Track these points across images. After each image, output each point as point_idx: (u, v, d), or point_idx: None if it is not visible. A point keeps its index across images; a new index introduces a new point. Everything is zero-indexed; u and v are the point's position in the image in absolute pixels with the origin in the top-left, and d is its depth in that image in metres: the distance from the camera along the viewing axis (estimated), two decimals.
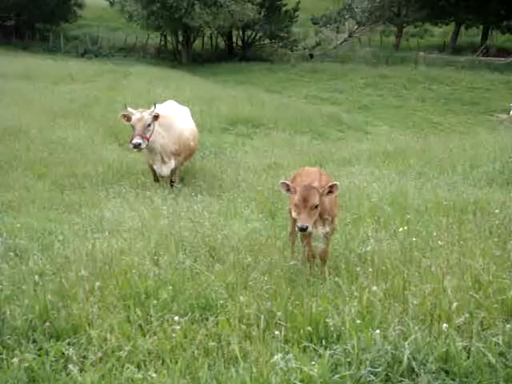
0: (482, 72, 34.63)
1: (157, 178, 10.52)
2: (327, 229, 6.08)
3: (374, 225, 7.59)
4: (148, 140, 9.55)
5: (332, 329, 4.57)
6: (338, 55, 42.35)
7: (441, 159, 12.44)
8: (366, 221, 7.74)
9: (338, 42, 46.41)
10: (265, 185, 9.86)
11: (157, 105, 10.02)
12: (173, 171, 10.45)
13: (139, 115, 9.51)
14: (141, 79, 27.19)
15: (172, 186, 10.29)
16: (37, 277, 5.76)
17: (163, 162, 10.17)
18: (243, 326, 4.72)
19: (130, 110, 9.71)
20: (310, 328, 4.60)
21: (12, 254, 6.69)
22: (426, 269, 5.65)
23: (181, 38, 43.98)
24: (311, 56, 42.99)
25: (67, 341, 4.70)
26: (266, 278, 5.43)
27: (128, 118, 9.57)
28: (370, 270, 5.54)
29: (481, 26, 46.30)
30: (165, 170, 10.28)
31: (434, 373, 3.95)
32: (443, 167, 11.69)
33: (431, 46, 46.43)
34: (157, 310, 5.07)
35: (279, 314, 4.76)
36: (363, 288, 5.14)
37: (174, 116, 10.50)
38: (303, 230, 5.50)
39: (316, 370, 3.82)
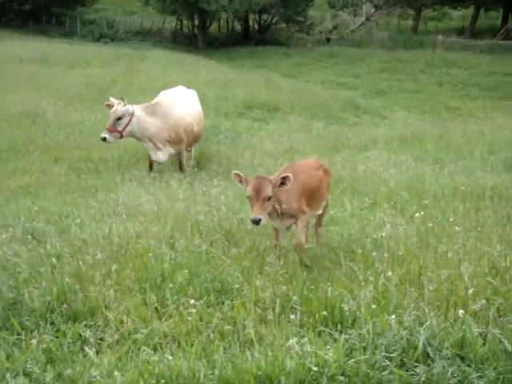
0: (502, 56, 34.12)
1: (151, 165, 10.44)
2: (298, 222, 6.00)
3: (391, 210, 7.56)
4: (120, 133, 9.61)
5: (347, 313, 4.57)
6: (355, 39, 42.04)
7: (458, 144, 12.35)
8: (383, 206, 7.71)
9: (355, 26, 46.06)
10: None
11: (162, 91, 10.24)
12: (178, 156, 10.45)
13: (113, 108, 9.57)
14: (157, 63, 27.21)
15: (182, 170, 10.31)
16: (54, 259, 5.81)
17: (157, 148, 10.09)
18: (259, 310, 4.74)
19: (112, 100, 9.74)
20: (325, 312, 4.60)
21: (30, 237, 6.75)
22: (442, 254, 5.62)
23: (197, 22, 43.84)
24: (328, 40, 42.70)
25: (84, 323, 4.75)
26: (281, 263, 5.43)
27: (110, 107, 9.65)
28: (386, 255, 5.52)
29: (501, 9, 45.63)
30: (160, 156, 10.19)
31: (449, 359, 3.94)
32: (461, 153, 11.60)
33: (450, 30, 45.83)
34: (173, 293, 5.10)
35: (295, 298, 4.77)
36: (379, 273, 5.13)
37: (172, 102, 10.33)
38: (256, 222, 5.38)
39: (331, 355, 3.82)
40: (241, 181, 5.74)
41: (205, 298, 5.00)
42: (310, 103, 20.32)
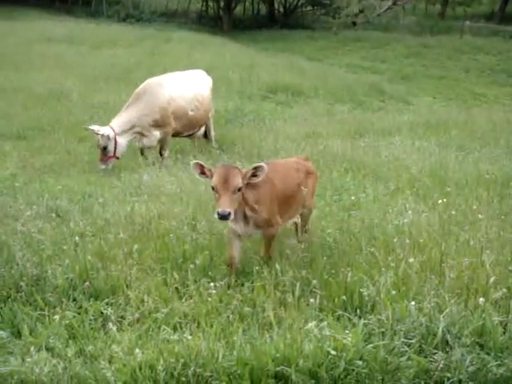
0: None
1: (141, 151, 10.28)
2: (264, 234, 5.35)
3: (413, 197, 7.51)
4: (114, 157, 9.56)
5: (367, 299, 4.57)
6: (381, 23, 41.49)
7: (483, 132, 12.19)
8: (405, 192, 7.66)
9: (382, 10, 45.36)
10: (303, 153, 9.80)
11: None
12: (161, 141, 10.20)
13: (96, 137, 9.43)
14: (182, 45, 27.16)
15: (162, 157, 10.15)
16: (77, 238, 5.89)
17: (142, 135, 9.90)
18: (278, 293, 4.76)
19: (92, 128, 9.50)
20: (344, 297, 4.62)
21: (54, 215, 6.85)
22: (464, 242, 5.58)
23: (222, 4, 43.61)
24: (354, 24, 42.18)
25: (106, 301, 4.82)
26: (302, 246, 5.44)
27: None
28: (407, 241, 5.50)
29: None
30: (145, 142, 10.00)
31: (468, 346, 3.93)
32: (486, 140, 11.46)
33: (478, 15, 44.99)
34: (193, 274, 5.15)
35: (314, 282, 4.78)
36: (400, 259, 5.11)
37: (158, 86, 10.05)
38: (224, 217, 4.70)
39: (349, 339, 3.83)
40: (203, 172, 5.03)
41: (225, 279, 5.03)
42: (334, 87, 20.17)
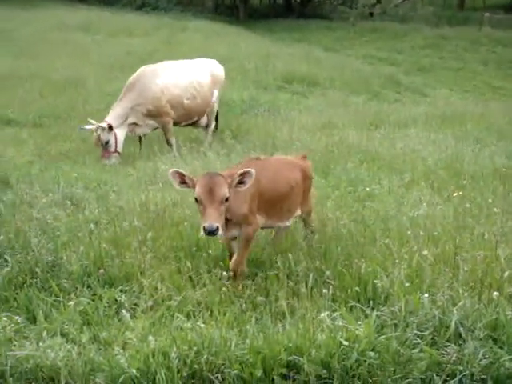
0: None
1: (140, 139, 10.28)
2: (241, 233, 4.92)
3: (428, 189, 7.48)
4: (116, 152, 9.51)
5: (380, 290, 4.57)
6: (398, 14, 41.14)
7: (500, 125, 12.09)
8: (420, 184, 7.63)
9: (399, 1, 45.07)
10: (319, 144, 9.79)
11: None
12: (163, 131, 10.15)
13: (95, 134, 9.34)
14: (197, 34, 27.15)
15: (169, 145, 10.11)
16: (92, 225, 5.94)
17: (136, 125, 9.84)
18: (291, 283, 4.78)
19: (87, 127, 9.48)
20: (357, 288, 4.61)
21: (69, 202, 6.90)
22: (479, 236, 5.56)
23: None
24: (371, 14, 41.93)
25: (120, 288, 4.85)
26: (316, 237, 5.43)
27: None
28: (422, 233, 5.48)
29: None
30: (138, 131, 9.97)
31: (481, 340, 3.91)
32: (502, 134, 11.37)
33: (497, 6, 44.46)
34: (206, 262, 5.17)
35: (328, 272, 4.79)
36: (414, 251, 5.10)
37: (152, 75, 9.95)
38: (212, 233, 4.31)
39: (362, 330, 3.83)
40: (184, 182, 4.61)
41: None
42: (350, 78, 20.09)
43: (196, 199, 4.49)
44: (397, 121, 13.00)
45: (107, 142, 9.32)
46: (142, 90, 9.72)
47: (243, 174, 4.56)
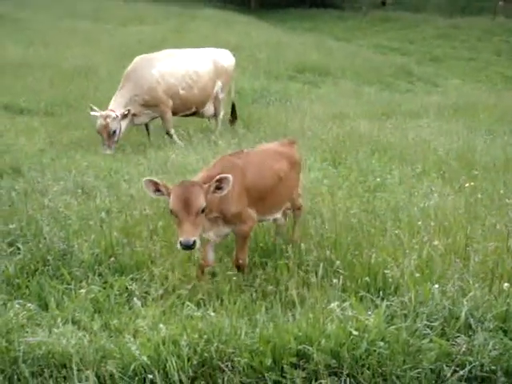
0: None
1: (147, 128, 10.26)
2: (237, 232, 4.81)
3: (439, 179, 7.46)
4: (117, 141, 9.42)
5: (390, 280, 4.57)
6: (411, 3, 40.81)
7: None
8: (431, 175, 7.61)
9: None
10: (330, 134, 9.77)
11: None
12: (162, 120, 10.07)
13: (103, 122, 9.19)
14: (208, 22, 27.09)
15: (169, 135, 10.04)
16: (103, 213, 5.98)
17: (134, 115, 9.71)
18: (302, 273, 4.78)
19: (93, 114, 9.38)
20: (367, 278, 4.61)
21: (80, 190, 6.93)
22: (490, 226, 5.54)
23: None
24: (383, 4, 41.67)
25: (131, 276, 4.88)
26: (326, 227, 5.43)
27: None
28: (433, 224, 5.47)
29: None
30: (136, 121, 9.87)
31: (491, 331, 3.90)
32: None
33: None
34: (217, 251, 5.18)
35: (338, 262, 4.78)
36: (424, 242, 5.09)
37: (148, 65, 9.84)
38: (188, 247, 4.11)
39: (372, 320, 3.83)
40: (158, 190, 4.36)
41: (249, 257, 5.05)
42: (362, 68, 20.01)
43: (171, 211, 4.26)
44: (408, 111, 12.95)
45: (114, 132, 9.28)
46: (138, 80, 9.65)
47: (220, 180, 4.32)
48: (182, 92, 10.08)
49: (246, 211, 4.76)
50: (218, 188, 4.34)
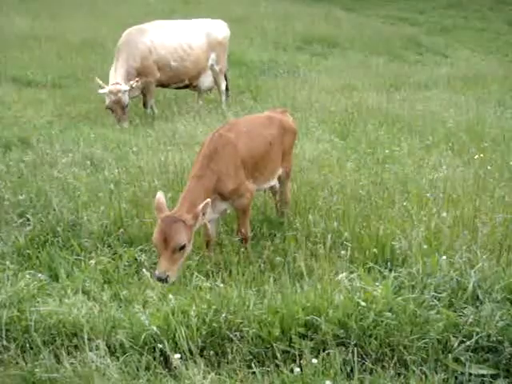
0: None
1: (144, 104, 10.13)
2: (237, 205, 4.81)
3: (448, 151, 7.42)
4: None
5: (398, 252, 4.58)
6: None
7: None
8: (440, 147, 7.57)
9: None
10: (338, 106, 9.71)
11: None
12: (143, 91, 9.90)
13: (115, 97, 8.98)
14: None
15: (146, 108, 9.97)
16: (112, 185, 5.99)
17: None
18: (310, 244, 4.80)
19: (101, 91, 9.17)
20: (375, 250, 4.63)
21: (89, 162, 6.94)
22: (499, 198, 5.53)
23: None
24: None
25: (139, 247, 4.92)
26: (334, 199, 5.44)
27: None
28: (441, 196, 5.46)
29: None
30: (130, 94, 9.56)
31: (498, 302, 3.92)
32: None
33: None
34: (226, 223, 5.20)
35: (346, 234, 4.80)
36: (432, 214, 5.09)
37: (138, 35, 9.69)
38: (162, 280, 4.08)
39: (379, 291, 3.85)
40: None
41: (257, 229, 5.07)
42: (371, 39, 19.77)
43: (153, 242, 4.28)
44: (417, 82, 12.84)
45: (127, 105, 9.19)
46: (131, 51, 9.52)
47: (203, 207, 4.25)
48: (173, 64, 9.97)
49: (244, 184, 4.77)
50: (204, 214, 4.30)
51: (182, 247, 4.17)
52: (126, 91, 9.06)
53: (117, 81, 9.20)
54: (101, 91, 9.15)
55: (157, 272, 4.09)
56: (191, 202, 4.33)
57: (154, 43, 9.74)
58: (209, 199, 4.30)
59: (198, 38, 10.30)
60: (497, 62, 17.64)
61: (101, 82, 9.17)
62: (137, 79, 9.21)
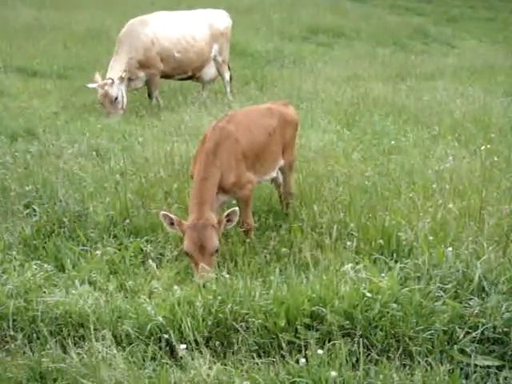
0: None
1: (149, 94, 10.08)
2: (239, 197, 4.88)
3: (454, 142, 7.39)
4: (122, 109, 9.20)
5: (404, 243, 4.57)
6: None
7: None
8: (446, 138, 7.54)
9: None
10: (344, 96, 9.68)
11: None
12: (148, 83, 9.89)
13: (102, 91, 8.94)
14: None
15: (151, 99, 9.93)
16: (118, 176, 6.00)
17: (129, 79, 9.48)
18: (315, 235, 4.80)
19: (90, 86, 9.17)
20: (381, 241, 4.63)
21: (94, 153, 6.95)
22: (505, 190, 5.51)
23: None
24: None
25: (145, 238, 4.93)
26: (340, 189, 5.43)
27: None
28: (447, 187, 5.44)
29: None
30: (132, 85, 9.71)
31: (504, 294, 3.91)
32: None
33: None
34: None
35: (352, 225, 4.79)
36: (438, 205, 5.08)
37: (141, 27, 9.68)
38: (206, 283, 4.07)
39: (385, 282, 3.85)
40: (172, 223, 4.41)
41: (263, 220, 5.07)
42: (377, 29, 19.66)
43: (185, 253, 4.36)
44: (424, 73, 12.77)
45: (116, 98, 9.06)
46: (132, 42, 9.48)
47: (229, 214, 4.42)
48: (177, 55, 9.91)
49: (244, 176, 4.80)
50: (229, 220, 4.47)
51: (217, 250, 4.34)
52: (112, 84, 8.98)
53: (110, 76, 9.12)
54: (89, 85, 9.15)
55: (200, 280, 4.09)
56: (209, 204, 4.46)
57: (156, 35, 9.69)
58: (237, 208, 4.47)
59: (201, 29, 10.24)
60: (504, 52, 17.49)
61: (98, 78, 9.10)
62: (123, 71, 9.15)
